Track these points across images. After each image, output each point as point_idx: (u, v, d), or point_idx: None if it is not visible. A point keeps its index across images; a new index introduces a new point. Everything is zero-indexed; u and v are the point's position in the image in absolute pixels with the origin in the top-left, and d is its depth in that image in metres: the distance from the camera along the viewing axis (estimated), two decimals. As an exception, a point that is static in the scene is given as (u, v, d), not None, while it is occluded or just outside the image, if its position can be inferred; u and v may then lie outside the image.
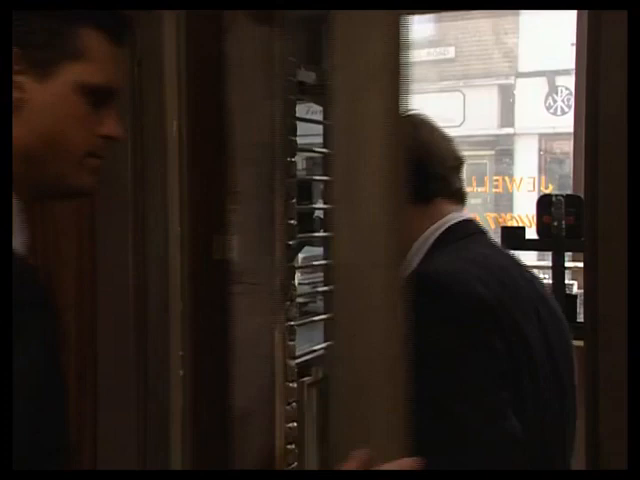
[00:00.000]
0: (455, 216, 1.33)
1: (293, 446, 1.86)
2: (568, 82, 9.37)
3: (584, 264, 1.27)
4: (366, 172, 0.87)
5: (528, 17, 9.98)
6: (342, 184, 0.90)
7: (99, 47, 0.91)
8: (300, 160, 2.03)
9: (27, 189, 0.91)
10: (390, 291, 0.85)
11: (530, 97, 10.99)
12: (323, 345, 2.20)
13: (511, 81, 11.23)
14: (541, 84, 11.26)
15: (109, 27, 0.92)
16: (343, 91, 0.89)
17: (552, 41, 9.47)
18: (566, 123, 8.98)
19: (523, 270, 1.30)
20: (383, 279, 0.85)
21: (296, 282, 1.90)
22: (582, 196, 1.59)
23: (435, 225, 1.31)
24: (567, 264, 3.11)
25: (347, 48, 0.89)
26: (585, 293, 1.26)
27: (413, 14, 2.57)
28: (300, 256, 2.46)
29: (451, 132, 1.47)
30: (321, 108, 2.33)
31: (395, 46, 0.89)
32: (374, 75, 0.86)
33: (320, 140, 2.30)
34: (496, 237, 2.79)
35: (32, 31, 0.87)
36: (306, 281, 2.54)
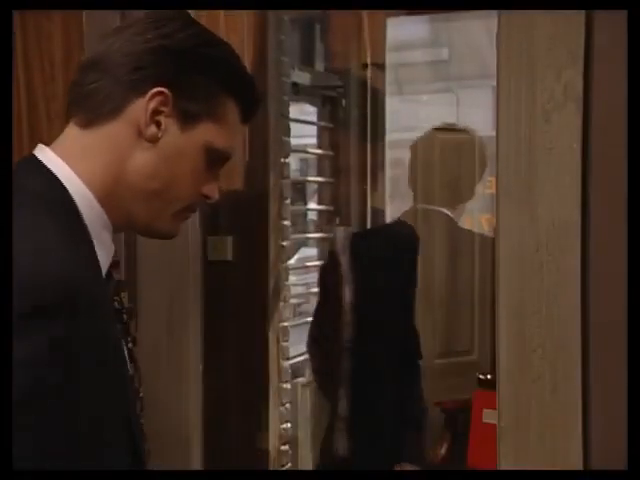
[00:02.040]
0: None
1: (287, 447, 1.86)
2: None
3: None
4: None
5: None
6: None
7: (233, 118, 0.99)
8: (294, 161, 2.04)
9: (118, 213, 0.97)
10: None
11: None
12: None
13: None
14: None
15: (246, 105, 1.01)
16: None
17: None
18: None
19: None
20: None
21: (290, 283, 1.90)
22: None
23: None
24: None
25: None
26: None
27: (407, 15, 2.58)
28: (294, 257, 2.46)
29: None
30: (315, 109, 2.33)
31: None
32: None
33: (313, 141, 2.30)
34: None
35: (192, 84, 0.95)
36: (300, 282, 2.55)
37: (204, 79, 0.96)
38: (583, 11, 1.11)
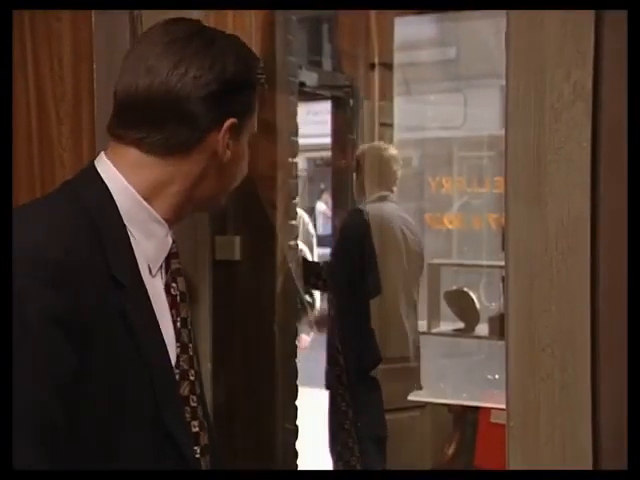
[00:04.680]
0: None
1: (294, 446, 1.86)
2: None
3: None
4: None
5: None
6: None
7: (257, 101, 1.08)
8: (301, 160, 2.04)
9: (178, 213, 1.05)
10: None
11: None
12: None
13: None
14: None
15: (261, 84, 1.08)
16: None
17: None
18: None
19: None
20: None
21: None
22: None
23: None
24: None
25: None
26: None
27: (415, 14, 2.58)
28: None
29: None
30: (321, 108, 2.33)
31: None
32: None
33: (321, 141, 2.31)
34: (497, 239, 2.80)
35: (240, 103, 1.04)
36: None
37: (247, 94, 1.05)
38: (592, 10, 1.10)
